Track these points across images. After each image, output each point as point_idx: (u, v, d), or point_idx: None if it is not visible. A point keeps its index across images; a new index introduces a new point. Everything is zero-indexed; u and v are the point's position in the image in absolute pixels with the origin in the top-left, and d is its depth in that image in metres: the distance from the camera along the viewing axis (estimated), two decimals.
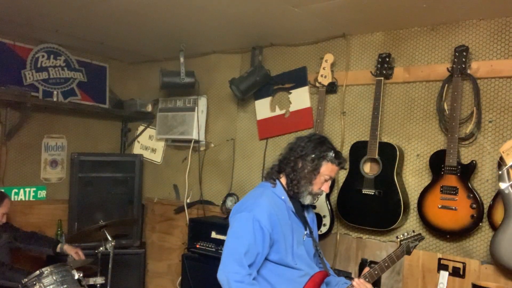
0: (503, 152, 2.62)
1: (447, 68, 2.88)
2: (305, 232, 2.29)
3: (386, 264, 2.26)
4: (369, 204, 3.03)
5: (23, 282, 2.72)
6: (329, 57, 3.33)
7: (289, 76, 3.65)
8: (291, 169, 2.21)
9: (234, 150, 4.01)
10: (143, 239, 4.51)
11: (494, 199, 2.68)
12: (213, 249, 3.52)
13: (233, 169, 4.00)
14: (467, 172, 2.74)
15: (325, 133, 3.35)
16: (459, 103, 2.79)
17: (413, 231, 2.45)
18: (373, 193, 3.02)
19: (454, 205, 2.75)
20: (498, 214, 2.63)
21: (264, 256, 2.11)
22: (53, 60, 4.14)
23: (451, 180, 2.77)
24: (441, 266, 2.92)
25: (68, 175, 4.25)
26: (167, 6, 2.97)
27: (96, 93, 4.46)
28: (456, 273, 2.86)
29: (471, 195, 2.71)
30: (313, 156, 2.17)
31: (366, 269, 2.25)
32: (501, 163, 2.63)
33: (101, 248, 3.16)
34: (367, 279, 2.20)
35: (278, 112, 3.72)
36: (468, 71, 2.83)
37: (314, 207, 2.55)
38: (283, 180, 2.26)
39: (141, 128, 4.71)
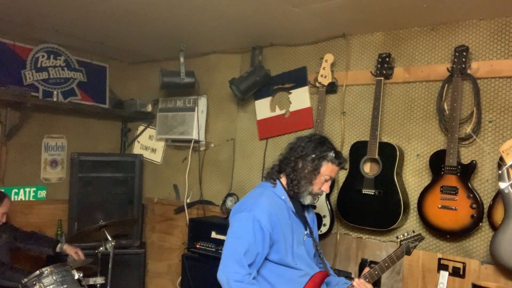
0: (503, 151, 2.62)
1: (447, 68, 2.88)
2: (305, 232, 2.29)
3: (386, 264, 2.26)
4: (369, 204, 3.03)
5: (23, 282, 2.72)
6: (329, 57, 3.33)
7: (289, 76, 3.65)
8: (291, 169, 2.21)
9: (234, 150, 4.00)
10: (143, 239, 4.51)
11: (494, 199, 2.68)
12: (213, 249, 3.52)
13: (233, 169, 4.00)
14: (467, 172, 2.74)
15: (325, 133, 3.35)
16: (459, 103, 2.79)
17: (413, 231, 2.45)
18: (373, 193, 3.02)
19: (454, 205, 2.75)
20: (498, 214, 2.63)
21: (264, 256, 2.11)
22: (53, 60, 4.14)
23: (451, 180, 2.77)
24: (441, 266, 2.92)
25: (68, 175, 4.25)
26: (167, 6, 2.97)
27: (96, 93, 4.46)
28: (456, 273, 2.86)
29: (471, 195, 2.70)
30: (314, 156, 2.17)
31: (366, 269, 2.25)
32: (501, 163, 2.63)
33: (101, 248, 3.16)
34: (367, 279, 2.20)
35: (278, 112, 3.72)
36: (468, 71, 2.83)
37: (314, 207, 2.55)
38: (283, 180, 2.26)
39: (141, 128, 4.71)
